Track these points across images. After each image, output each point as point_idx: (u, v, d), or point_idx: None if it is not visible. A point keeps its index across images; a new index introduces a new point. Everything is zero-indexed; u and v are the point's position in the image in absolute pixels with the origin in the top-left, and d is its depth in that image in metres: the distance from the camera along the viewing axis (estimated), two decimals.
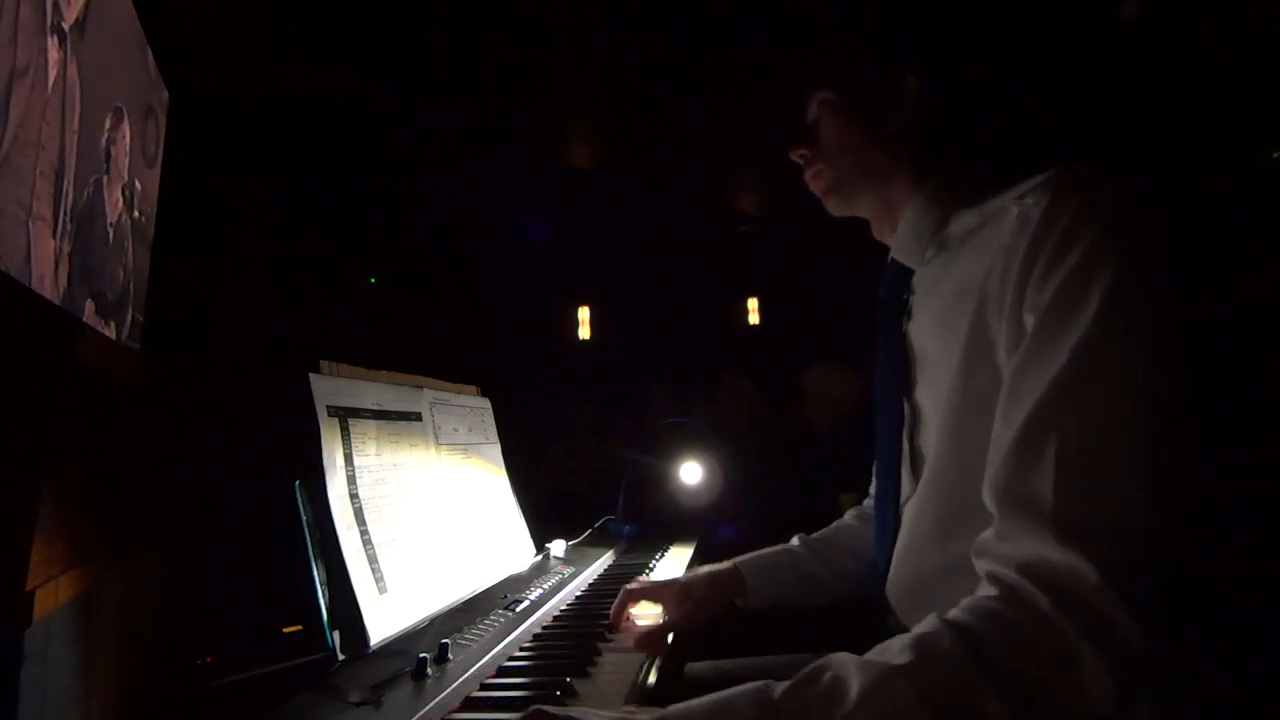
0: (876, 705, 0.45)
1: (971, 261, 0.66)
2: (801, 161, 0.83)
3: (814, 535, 1.04)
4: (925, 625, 0.50)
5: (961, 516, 0.65)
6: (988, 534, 0.55)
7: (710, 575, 0.99)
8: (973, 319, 0.63)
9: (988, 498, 0.56)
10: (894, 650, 0.48)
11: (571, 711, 0.51)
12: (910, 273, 0.78)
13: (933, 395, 0.70)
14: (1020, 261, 0.57)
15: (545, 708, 0.50)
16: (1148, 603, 0.46)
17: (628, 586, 0.97)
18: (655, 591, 0.96)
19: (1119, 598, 0.45)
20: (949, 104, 0.75)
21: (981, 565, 0.54)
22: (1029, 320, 0.56)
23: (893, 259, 0.80)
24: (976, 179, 0.72)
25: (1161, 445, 0.51)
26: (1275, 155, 2.31)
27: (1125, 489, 0.49)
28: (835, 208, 0.83)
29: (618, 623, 0.92)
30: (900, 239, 0.78)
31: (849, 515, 1.06)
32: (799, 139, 0.82)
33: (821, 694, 0.47)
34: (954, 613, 0.50)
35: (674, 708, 0.49)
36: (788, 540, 1.05)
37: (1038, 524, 0.50)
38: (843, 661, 0.49)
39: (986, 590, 0.51)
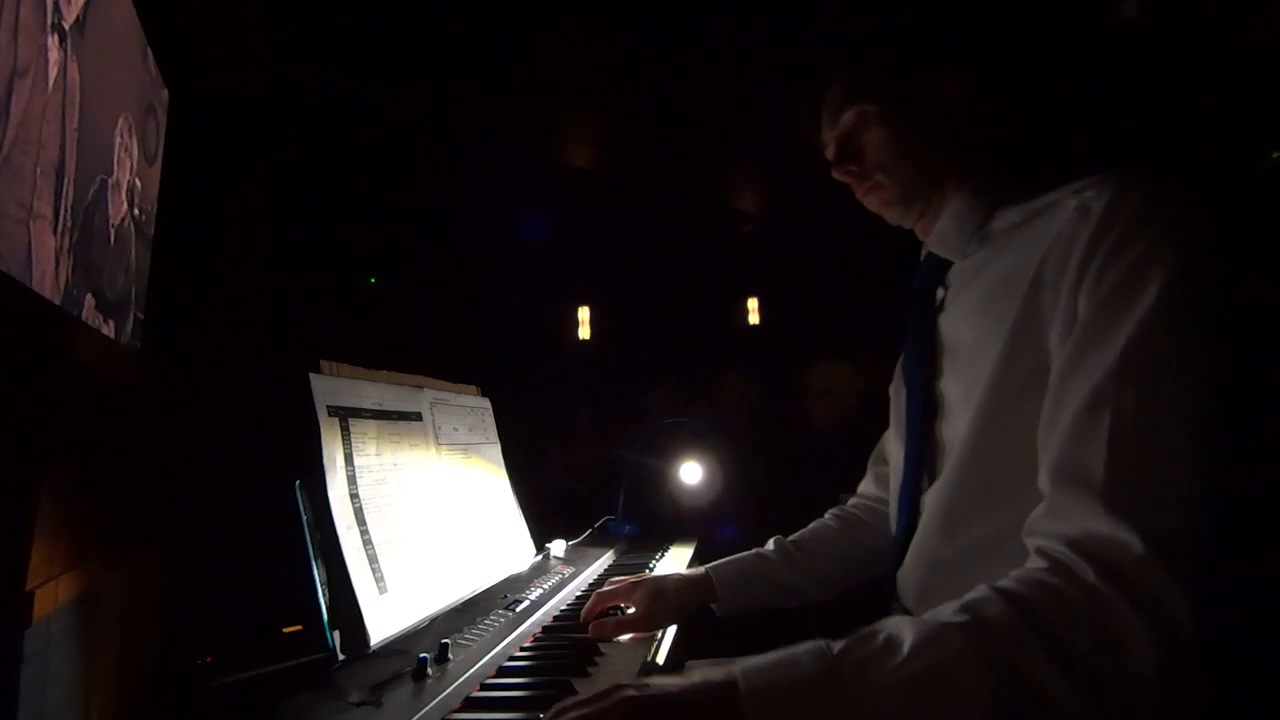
0: (929, 656, 0.47)
1: (1019, 254, 0.67)
2: (849, 179, 0.82)
3: (791, 538, 1.04)
4: (975, 593, 0.52)
5: (982, 502, 0.67)
6: (1038, 511, 0.56)
7: (682, 578, 0.99)
8: (1022, 305, 0.64)
9: (1043, 477, 0.57)
10: (945, 612, 0.51)
11: (650, 685, 0.53)
12: (946, 266, 0.78)
13: (964, 384, 0.71)
14: (1082, 249, 0.59)
15: (624, 685, 0.53)
16: (1193, 574, 0.48)
17: (599, 590, 0.97)
18: (627, 589, 0.96)
19: (1165, 568, 0.47)
20: (991, 99, 0.75)
21: (1031, 542, 0.55)
22: (1083, 305, 0.58)
23: (930, 252, 0.80)
24: (1019, 177, 0.74)
25: (1208, 432, 0.52)
26: (1275, 155, 2.31)
27: (1175, 467, 0.51)
28: (896, 218, 0.82)
29: (591, 616, 0.93)
30: (941, 232, 0.78)
31: (828, 516, 1.06)
32: (844, 157, 0.81)
33: (878, 647, 0.49)
34: (1003, 582, 0.52)
35: (741, 661, 0.51)
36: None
37: (1089, 497, 0.51)
38: (896, 622, 0.51)
39: (1036, 563, 0.53)
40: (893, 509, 0.82)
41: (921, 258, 0.82)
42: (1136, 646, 0.46)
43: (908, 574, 0.75)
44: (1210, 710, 0.59)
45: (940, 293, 0.78)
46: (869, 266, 0.84)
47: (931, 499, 0.73)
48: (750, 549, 1.04)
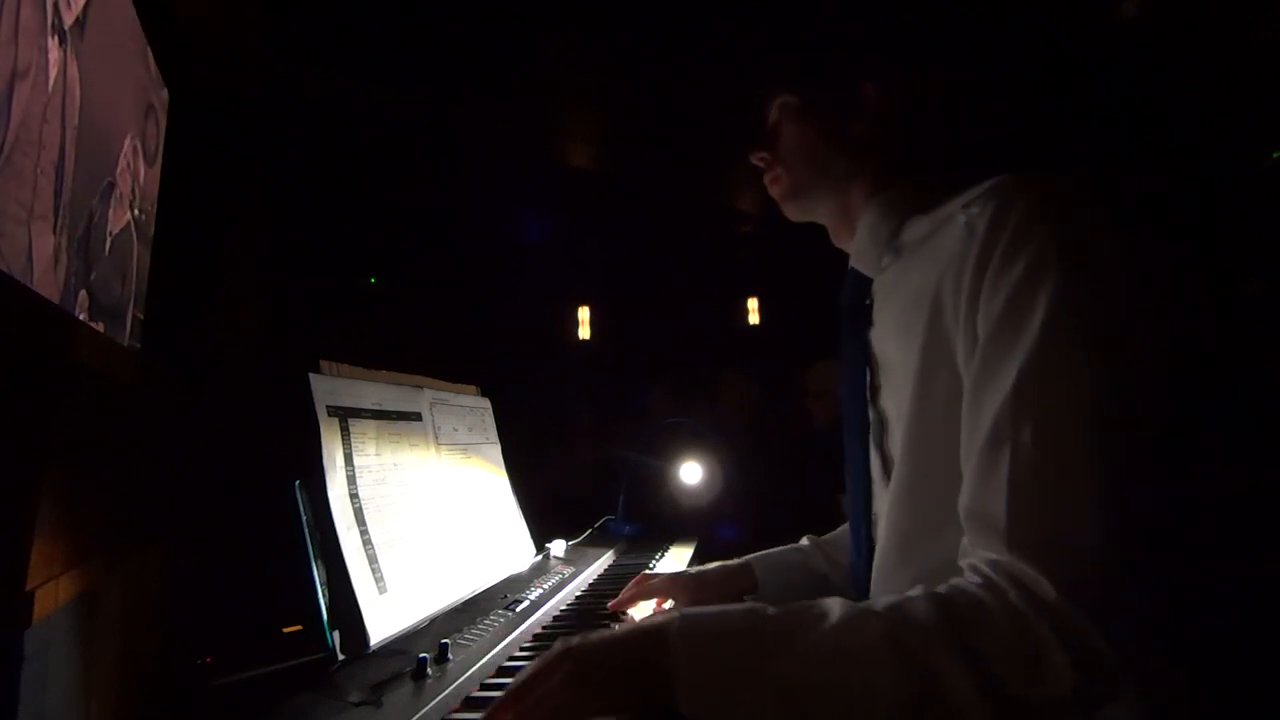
0: (847, 634, 0.50)
1: (924, 269, 0.66)
2: (762, 165, 0.83)
3: (823, 537, 1.05)
4: (910, 591, 0.54)
5: (933, 524, 0.65)
6: (965, 541, 0.57)
7: (724, 569, 1.00)
8: (928, 326, 0.63)
9: (960, 511, 0.57)
10: (878, 602, 0.53)
11: (597, 634, 0.56)
12: (869, 280, 0.78)
13: (896, 401, 0.70)
14: (970, 271, 0.58)
15: (571, 639, 0.56)
16: (1108, 610, 0.48)
17: (640, 586, 0.98)
18: (668, 583, 0.97)
19: (1077, 608, 0.47)
20: (907, 112, 0.75)
21: (963, 563, 0.56)
22: (981, 329, 0.57)
23: (852, 267, 0.80)
24: (930, 185, 0.73)
25: (1113, 458, 0.51)
26: (1275, 155, 2.31)
27: (1074, 508, 0.50)
28: (793, 213, 0.84)
29: (620, 607, 0.93)
30: (857, 247, 0.78)
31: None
32: (759, 142, 0.82)
33: (807, 619, 0.52)
34: (939, 587, 0.53)
35: (687, 610, 0.55)
36: (789, 540, 1.05)
37: (997, 542, 0.52)
38: (832, 601, 0.54)
39: (970, 576, 0.53)
40: (850, 528, 0.80)
41: (848, 271, 0.82)
42: (1055, 670, 0.46)
43: (878, 595, 0.74)
44: (1210, 710, 0.59)
45: (869, 306, 0.77)
46: None
47: (886, 519, 0.72)
48: (749, 549, 1.05)
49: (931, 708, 0.47)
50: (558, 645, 0.55)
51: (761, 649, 0.50)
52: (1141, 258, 0.56)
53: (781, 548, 1.03)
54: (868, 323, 0.77)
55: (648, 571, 0.99)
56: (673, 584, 0.96)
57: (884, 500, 0.73)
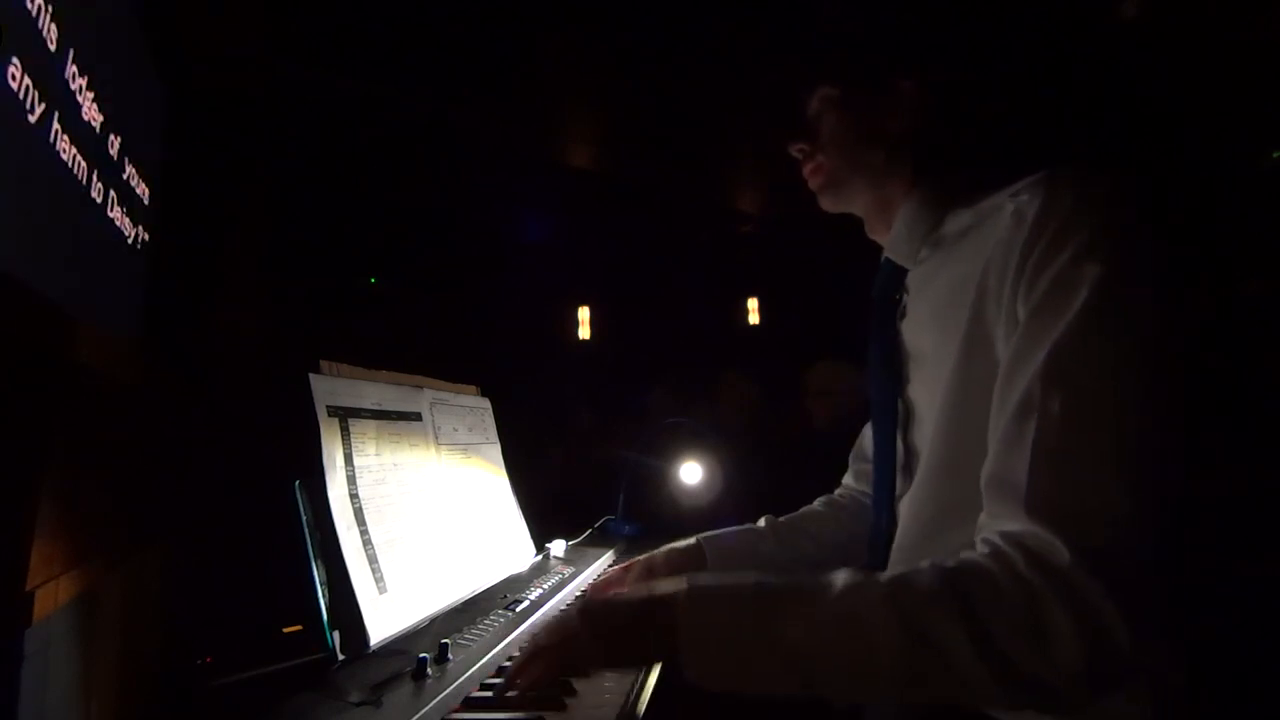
0: (850, 598, 0.51)
1: (967, 259, 0.67)
2: (800, 156, 0.83)
3: (780, 518, 1.05)
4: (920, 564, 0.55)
5: (957, 509, 0.66)
6: (982, 515, 0.57)
7: (671, 549, 1.00)
8: (971, 313, 0.64)
9: (982, 481, 0.57)
10: (885, 573, 0.54)
11: (614, 595, 0.62)
12: (904, 272, 0.78)
13: (928, 391, 0.71)
14: (1018, 256, 0.59)
15: (589, 598, 0.62)
16: (1126, 584, 0.47)
17: (593, 584, 0.98)
18: (619, 577, 0.96)
19: (1093, 577, 0.47)
20: (948, 108, 0.75)
21: (977, 538, 0.56)
22: (1021, 311, 0.58)
23: (886, 259, 0.81)
24: (972, 179, 0.73)
25: (1143, 436, 0.51)
26: (1275, 155, 2.31)
27: (1098, 475, 0.50)
28: (829, 204, 0.84)
29: None
30: (895, 238, 0.78)
31: (818, 502, 1.08)
32: (799, 133, 0.82)
33: (814, 585, 0.54)
34: (945, 560, 0.54)
35: (697, 575, 0.59)
36: None
37: (1015, 507, 0.52)
38: (842, 571, 0.55)
39: (978, 548, 0.54)
40: (871, 519, 0.81)
41: (881, 263, 0.82)
42: (1063, 642, 0.46)
43: None
44: (1211, 710, 0.59)
45: (902, 299, 0.78)
46: (870, 266, 0.84)
47: (907, 507, 0.72)
48: None
49: (933, 674, 0.48)
50: (576, 603, 0.58)
51: (764, 613, 0.52)
52: (1177, 257, 0.57)
53: (735, 528, 1.03)
54: (900, 314, 0.78)
55: (596, 581, 0.99)
56: (624, 575, 0.96)
57: (901, 488, 0.74)
